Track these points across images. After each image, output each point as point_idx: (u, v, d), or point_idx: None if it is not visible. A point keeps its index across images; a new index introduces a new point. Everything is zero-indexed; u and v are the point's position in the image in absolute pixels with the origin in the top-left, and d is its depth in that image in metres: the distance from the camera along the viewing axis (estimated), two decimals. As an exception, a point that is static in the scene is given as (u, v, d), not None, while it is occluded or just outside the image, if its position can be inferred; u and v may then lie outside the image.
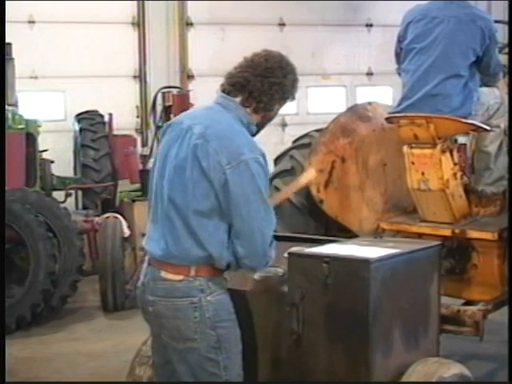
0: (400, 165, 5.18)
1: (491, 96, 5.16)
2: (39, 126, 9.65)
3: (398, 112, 5.07)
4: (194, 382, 3.33)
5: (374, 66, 14.55)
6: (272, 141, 13.40)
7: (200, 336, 3.28)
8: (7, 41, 8.98)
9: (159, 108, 10.27)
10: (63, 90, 12.90)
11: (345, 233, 5.33)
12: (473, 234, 5.00)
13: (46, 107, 12.64)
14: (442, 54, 4.98)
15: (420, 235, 5.11)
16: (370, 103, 5.72)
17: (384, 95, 13.30)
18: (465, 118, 4.92)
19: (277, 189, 5.49)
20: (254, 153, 3.22)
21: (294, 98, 3.45)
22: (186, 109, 6.96)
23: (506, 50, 5.59)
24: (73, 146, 12.07)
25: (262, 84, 3.33)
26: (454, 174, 5.07)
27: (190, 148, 3.27)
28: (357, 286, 3.30)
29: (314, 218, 5.52)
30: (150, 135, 11.97)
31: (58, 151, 11.74)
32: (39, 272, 7.02)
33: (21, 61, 10.16)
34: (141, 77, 13.39)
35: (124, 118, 12.61)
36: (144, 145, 12.22)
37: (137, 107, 13.40)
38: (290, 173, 5.56)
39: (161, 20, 13.33)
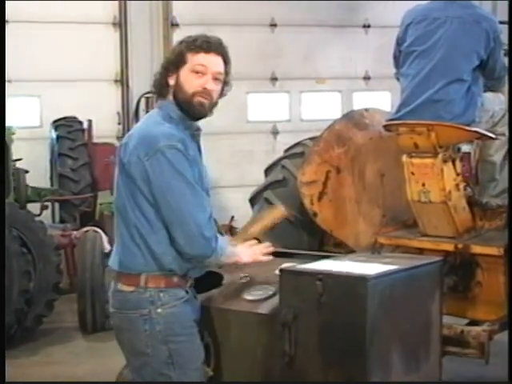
0: (399, 175, 5.19)
1: (496, 102, 5.18)
2: (13, 134, 9.60)
3: (397, 119, 5.08)
4: None
5: (371, 70, 14.55)
6: (263, 149, 13.46)
7: (152, 350, 3.38)
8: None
9: (142, 114, 10.27)
10: (39, 94, 12.86)
11: (340, 248, 5.35)
12: (477, 249, 5.02)
13: (21, 113, 12.59)
14: (444, 57, 5.00)
15: (421, 250, 5.13)
16: (367, 109, 5.74)
17: (382, 101, 13.32)
18: (468, 125, 4.93)
19: (267, 201, 5.50)
20: (170, 140, 3.38)
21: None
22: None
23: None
24: (49, 155, 12.06)
25: (161, 75, 3.53)
26: (457, 185, 5.07)
27: (121, 152, 3.49)
28: (353, 304, 3.30)
29: (307, 232, 5.53)
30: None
31: (34, 160, 11.71)
32: (12, 290, 6.99)
33: (-7, 63, 10.15)
34: (122, 81, 13.36)
35: (104, 125, 12.58)
36: (125, 154, 12.19)
37: (118, 113, 13.37)
38: (282, 184, 5.58)
39: (144, 20, 13.32)
